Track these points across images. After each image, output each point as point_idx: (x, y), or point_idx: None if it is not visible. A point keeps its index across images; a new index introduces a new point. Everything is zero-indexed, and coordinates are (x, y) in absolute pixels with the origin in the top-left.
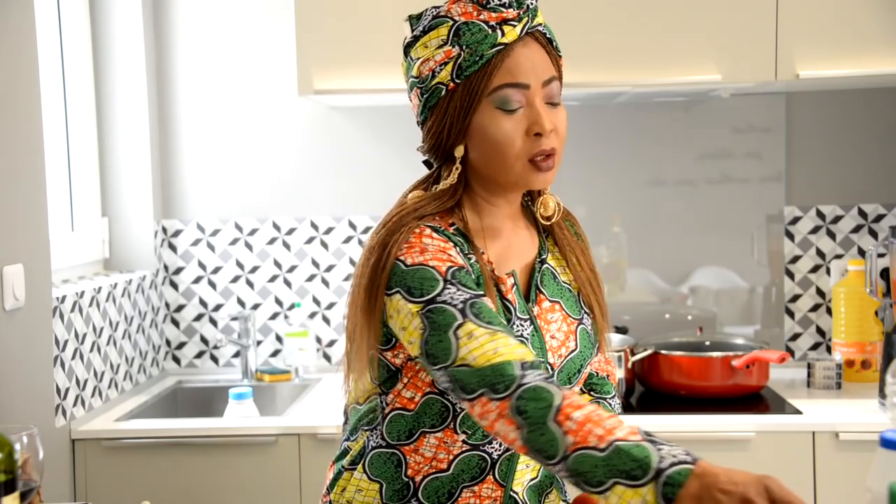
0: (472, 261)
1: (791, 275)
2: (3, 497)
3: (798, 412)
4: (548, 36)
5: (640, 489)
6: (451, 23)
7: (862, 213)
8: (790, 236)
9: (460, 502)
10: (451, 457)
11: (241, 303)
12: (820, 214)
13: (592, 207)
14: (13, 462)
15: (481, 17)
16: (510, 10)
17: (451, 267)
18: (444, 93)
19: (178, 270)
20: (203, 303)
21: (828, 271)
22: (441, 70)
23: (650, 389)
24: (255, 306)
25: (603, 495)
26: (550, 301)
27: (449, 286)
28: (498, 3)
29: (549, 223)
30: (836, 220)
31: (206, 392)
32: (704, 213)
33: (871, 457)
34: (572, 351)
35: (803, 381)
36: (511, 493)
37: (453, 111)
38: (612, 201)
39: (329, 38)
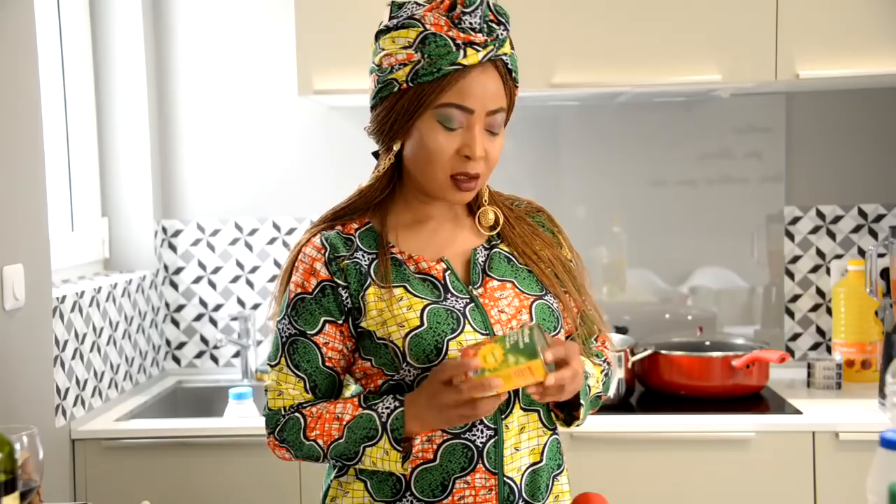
0: (363, 263)
1: (791, 275)
2: (3, 497)
3: (798, 412)
4: (509, 66)
5: (379, 443)
6: (421, 28)
7: (862, 213)
8: (790, 236)
9: (455, 494)
10: (434, 446)
11: (241, 303)
12: (820, 214)
13: (592, 207)
14: (13, 462)
15: (450, 32)
16: (479, 34)
17: (298, 294)
18: (396, 89)
19: (178, 270)
20: (203, 303)
21: (828, 271)
22: (399, 69)
23: (650, 389)
24: (255, 306)
25: (360, 462)
26: (500, 280)
27: (286, 317)
28: (469, 25)
29: (492, 233)
30: (836, 220)
31: (206, 392)
32: (704, 213)
33: (871, 457)
34: (527, 325)
35: (803, 381)
36: (505, 479)
37: (400, 109)
38: (612, 201)
39: (329, 38)
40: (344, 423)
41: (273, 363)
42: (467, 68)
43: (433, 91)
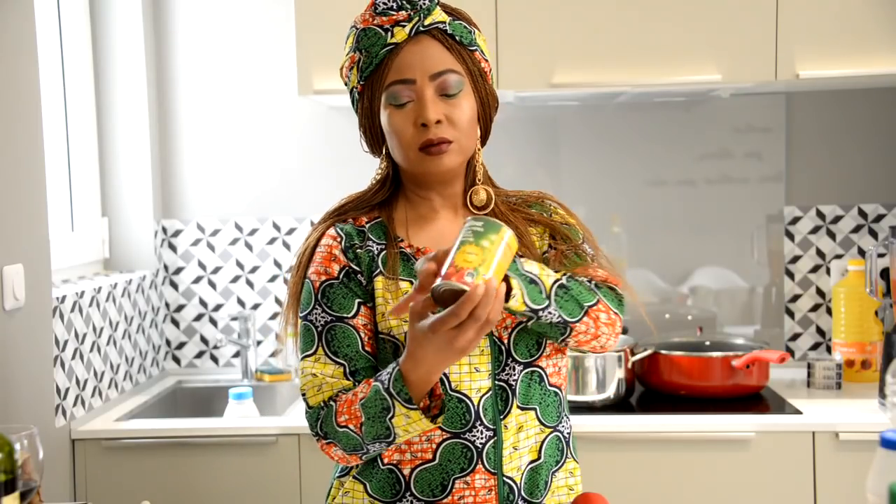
0: (374, 251)
1: (791, 275)
2: (3, 497)
3: (798, 412)
4: (450, 32)
5: (396, 411)
6: (355, 31)
7: (862, 213)
8: (790, 236)
9: (455, 494)
10: (433, 445)
11: (241, 303)
12: (820, 214)
13: (592, 207)
14: (13, 462)
15: (375, 22)
16: (401, 12)
17: (324, 282)
18: (357, 96)
19: (178, 270)
20: (203, 303)
21: (828, 271)
22: (350, 75)
23: (650, 389)
24: (255, 306)
25: (397, 435)
26: None
27: (317, 306)
28: (386, 6)
29: (483, 213)
30: (836, 220)
31: (206, 392)
32: (704, 213)
33: (871, 457)
34: (522, 321)
35: (803, 381)
36: (504, 479)
37: (366, 112)
38: (612, 201)
39: (329, 38)
40: (358, 401)
41: (308, 353)
42: (399, 46)
43: (378, 79)
